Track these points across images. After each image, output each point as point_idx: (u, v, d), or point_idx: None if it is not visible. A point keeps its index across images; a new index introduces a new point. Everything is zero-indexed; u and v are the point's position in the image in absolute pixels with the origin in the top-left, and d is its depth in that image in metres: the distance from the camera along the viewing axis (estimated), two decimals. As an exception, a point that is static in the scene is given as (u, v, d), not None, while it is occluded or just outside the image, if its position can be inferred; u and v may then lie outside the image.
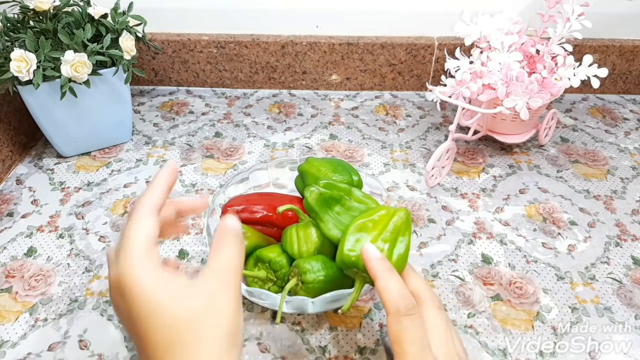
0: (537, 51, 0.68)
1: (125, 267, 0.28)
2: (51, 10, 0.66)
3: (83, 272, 0.56)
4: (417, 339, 0.34)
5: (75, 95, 0.65)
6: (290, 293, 0.45)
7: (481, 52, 0.65)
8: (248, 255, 0.49)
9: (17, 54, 0.60)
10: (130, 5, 0.71)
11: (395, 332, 0.34)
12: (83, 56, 0.62)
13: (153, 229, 0.31)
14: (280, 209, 0.47)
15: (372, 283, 0.39)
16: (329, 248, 0.48)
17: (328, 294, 0.43)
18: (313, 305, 0.44)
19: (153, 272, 0.28)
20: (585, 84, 0.65)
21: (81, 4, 0.68)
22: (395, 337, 0.34)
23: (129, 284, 0.28)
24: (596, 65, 0.63)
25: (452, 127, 0.65)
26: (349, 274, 0.42)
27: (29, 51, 0.61)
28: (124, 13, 0.70)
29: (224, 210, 0.52)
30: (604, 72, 0.63)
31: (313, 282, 0.44)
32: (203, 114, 0.85)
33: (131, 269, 0.28)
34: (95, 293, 0.53)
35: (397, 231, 0.41)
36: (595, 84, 0.63)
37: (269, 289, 0.47)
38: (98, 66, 0.66)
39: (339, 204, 0.47)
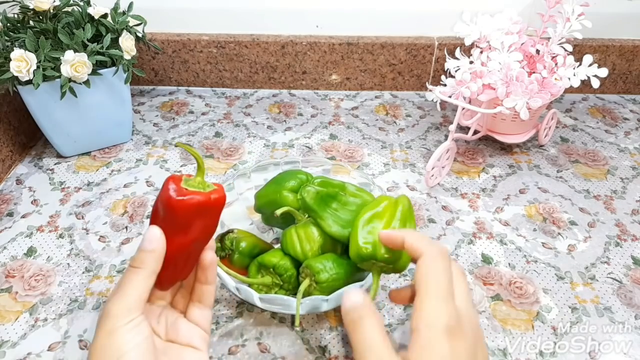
0: (537, 51, 0.68)
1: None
2: (51, 10, 0.66)
3: (83, 272, 0.56)
4: (444, 284, 0.32)
5: (75, 95, 0.65)
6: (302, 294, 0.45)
7: (481, 52, 0.65)
8: (249, 262, 0.50)
9: (17, 54, 0.60)
10: (130, 5, 0.71)
11: (425, 272, 0.32)
12: (83, 56, 0.62)
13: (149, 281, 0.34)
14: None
15: (388, 271, 0.40)
16: (331, 245, 0.48)
17: (341, 290, 0.43)
18: (327, 303, 0.44)
19: None
20: (585, 84, 0.65)
21: (81, 4, 0.68)
22: (423, 277, 0.32)
23: None
24: (596, 65, 0.63)
25: (452, 127, 0.65)
26: (364, 267, 0.42)
27: (29, 51, 0.61)
28: (124, 13, 0.70)
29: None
30: (604, 72, 0.63)
31: (327, 281, 0.44)
32: (203, 113, 0.85)
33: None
34: (95, 293, 0.53)
35: (405, 219, 0.42)
36: (595, 84, 0.63)
37: (276, 294, 0.47)
38: (98, 66, 0.66)
39: (335, 200, 0.48)
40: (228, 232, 0.50)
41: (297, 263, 0.48)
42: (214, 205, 0.34)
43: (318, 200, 0.47)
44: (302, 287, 0.44)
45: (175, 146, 0.58)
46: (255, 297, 0.44)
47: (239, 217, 0.57)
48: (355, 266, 0.43)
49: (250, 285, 0.46)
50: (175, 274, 0.35)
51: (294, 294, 0.46)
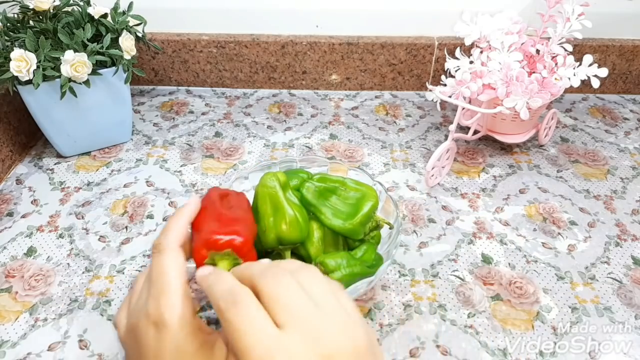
0: (537, 51, 0.68)
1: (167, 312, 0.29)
2: (51, 10, 0.66)
3: (83, 272, 0.56)
4: (248, 328, 0.27)
5: (75, 95, 0.65)
6: None
7: (481, 52, 0.65)
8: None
9: (17, 53, 0.60)
10: (130, 5, 0.71)
11: (224, 330, 0.28)
12: (83, 56, 0.62)
13: (184, 269, 0.32)
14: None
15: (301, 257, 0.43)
16: (332, 239, 0.48)
17: (352, 287, 0.44)
18: None
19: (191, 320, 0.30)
20: (585, 84, 0.65)
21: (81, 3, 0.68)
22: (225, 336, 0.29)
23: (172, 325, 0.29)
24: (596, 65, 0.63)
25: (452, 127, 0.65)
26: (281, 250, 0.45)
27: (29, 51, 0.61)
28: (124, 13, 0.70)
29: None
30: (604, 72, 0.63)
31: (341, 280, 0.44)
32: (203, 113, 0.85)
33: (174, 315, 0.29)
34: (95, 293, 0.53)
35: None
36: (595, 84, 0.63)
37: None
38: (98, 66, 0.66)
39: (334, 194, 0.49)
40: None
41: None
42: None
43: (317, 195, 0.48)
44: None
45: None
46: None
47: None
48: (366, 264, 0.45)
49: None
50: None
51: None
